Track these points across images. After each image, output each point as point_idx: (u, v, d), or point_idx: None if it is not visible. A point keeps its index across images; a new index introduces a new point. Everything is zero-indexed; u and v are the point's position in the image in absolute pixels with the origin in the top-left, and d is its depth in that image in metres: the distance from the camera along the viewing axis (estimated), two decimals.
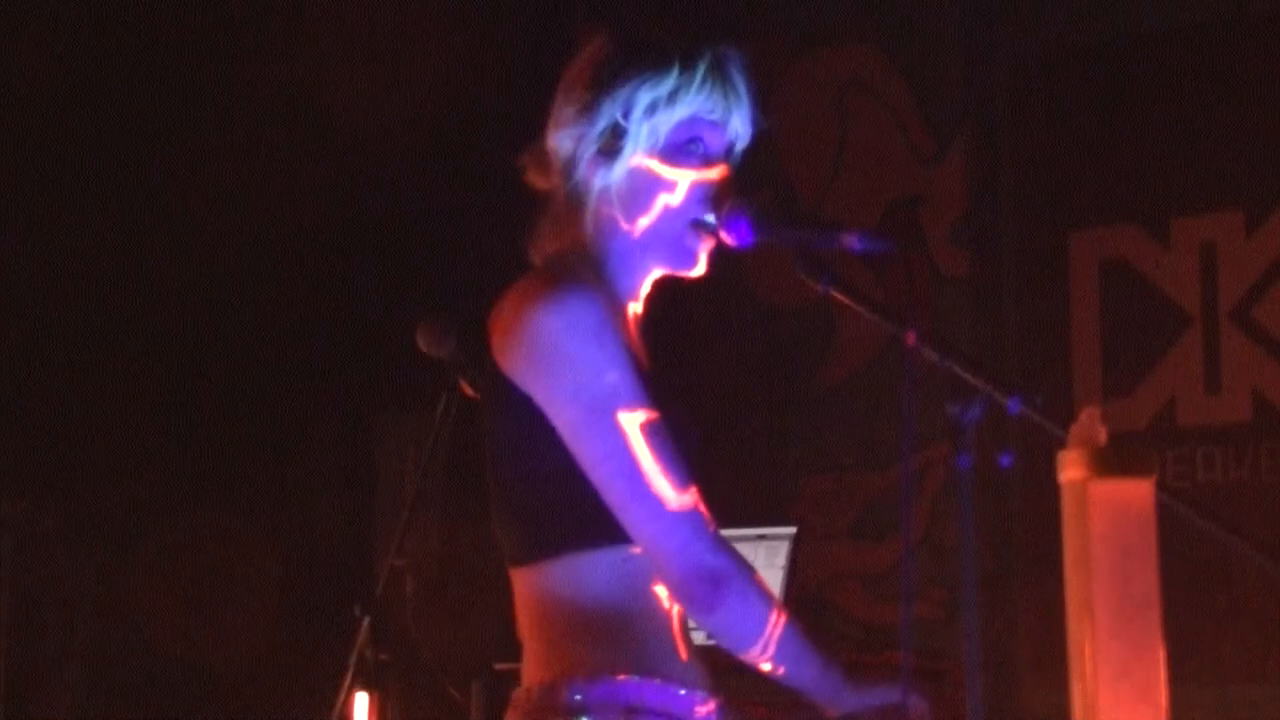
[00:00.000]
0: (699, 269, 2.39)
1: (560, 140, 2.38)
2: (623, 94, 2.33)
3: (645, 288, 2.42)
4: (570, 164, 2.37)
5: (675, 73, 2.33)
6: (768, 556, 3.94)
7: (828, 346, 5.53)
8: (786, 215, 2.38)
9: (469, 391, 3.34)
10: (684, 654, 2.30)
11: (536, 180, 2.43)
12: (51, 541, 4.68)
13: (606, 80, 2.35)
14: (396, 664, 3.51)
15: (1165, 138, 5.06)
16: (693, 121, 2.34)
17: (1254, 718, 4.64)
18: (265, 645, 5.05)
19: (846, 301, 2.27)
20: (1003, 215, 5.35)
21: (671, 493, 2.21)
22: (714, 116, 2.35)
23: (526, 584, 2.32)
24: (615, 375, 2.22)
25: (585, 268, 2.35)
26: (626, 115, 2.33)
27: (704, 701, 2.29)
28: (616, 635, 2.26)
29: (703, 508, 2.24)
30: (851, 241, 2.25)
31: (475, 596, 4.83)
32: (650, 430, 2.22)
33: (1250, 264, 4.96)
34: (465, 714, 3.91)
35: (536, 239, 2.43)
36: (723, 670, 2.34)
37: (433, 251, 5.39)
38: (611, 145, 2.34)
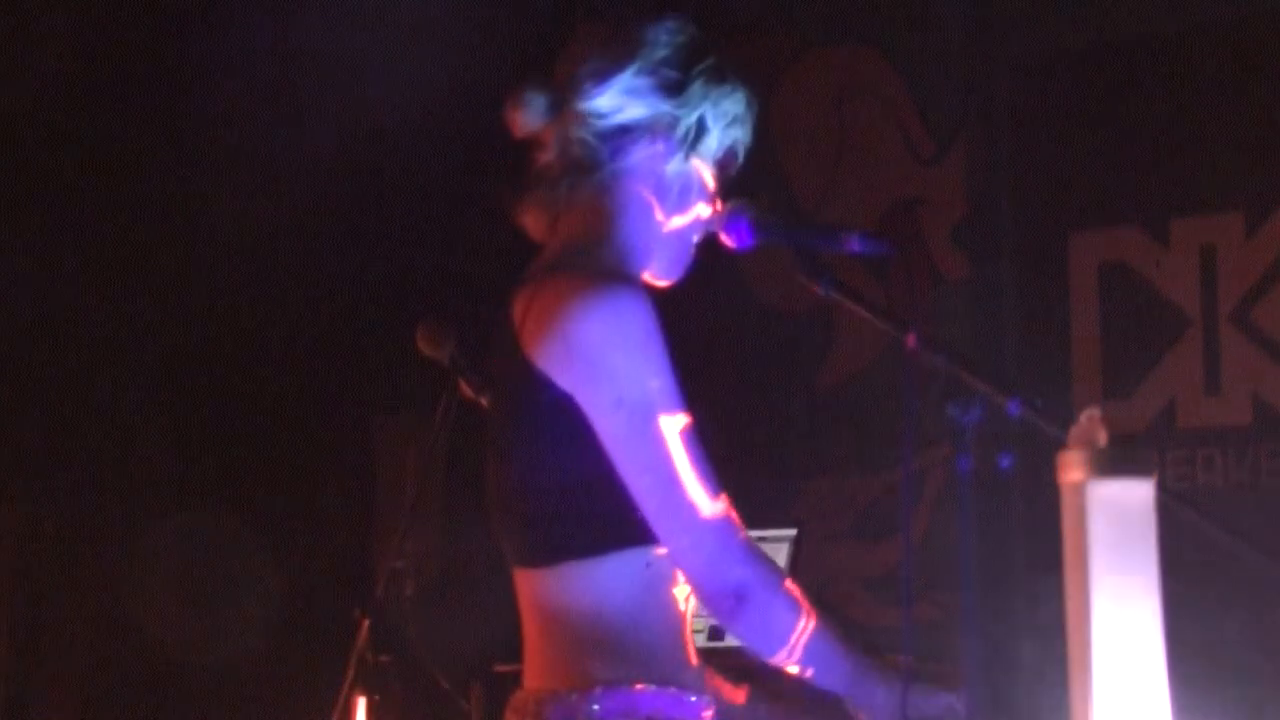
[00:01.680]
0: (669, 282, 2.40)
1: (621, 100, 2.31)
2: (714, 93, 2.33)
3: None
4: (621, 131, 2.32)
5: (732, 85, 2.35)
6: None
7: (827, 348, 5.53)
8: (786, 217, 2.38)
9: (468, 393, 3.34)
10: (694, 658, 2.30)
11: (534, 132, 2.35)
12: (51, 546, 4.68)
13: (695, 68, 2.33)
14: (396, 666, 3.51)
15: (1165, 138, 5.05)
16: (731, 149, 2.37)
17: (1254, 718, 4.63)
18: (265, 647, 5.05)
19: (847, 303, 2.26)
20: (1002, 217, 5.34)
21: (706, 501, 2.21)
22: (740, 148, 2.38)
23: (541, 588, 2.29)
24: (658, 381, 2.20)
25: (617, 258, 2.31)
26: (714, 117, 2.33)
27: (709, 706, 2.29)
28: (634, 644, 2.25)
29: (734, 514, 2.24)
30: (851, 243, 2.26)
31: (475, 598, 4.82)
32: (688, 436, 2.21)
33: (1250, 265, 4.96)
34: (465, 716, 3.91)
35: (536, 202, 2.36)
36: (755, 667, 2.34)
37: (433, 253, 5.39)
38: (694, 139, 2.33)
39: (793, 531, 4.05)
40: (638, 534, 2.23)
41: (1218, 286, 4.99)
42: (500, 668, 3.76)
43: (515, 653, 2.36)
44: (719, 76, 2.34)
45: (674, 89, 2.31)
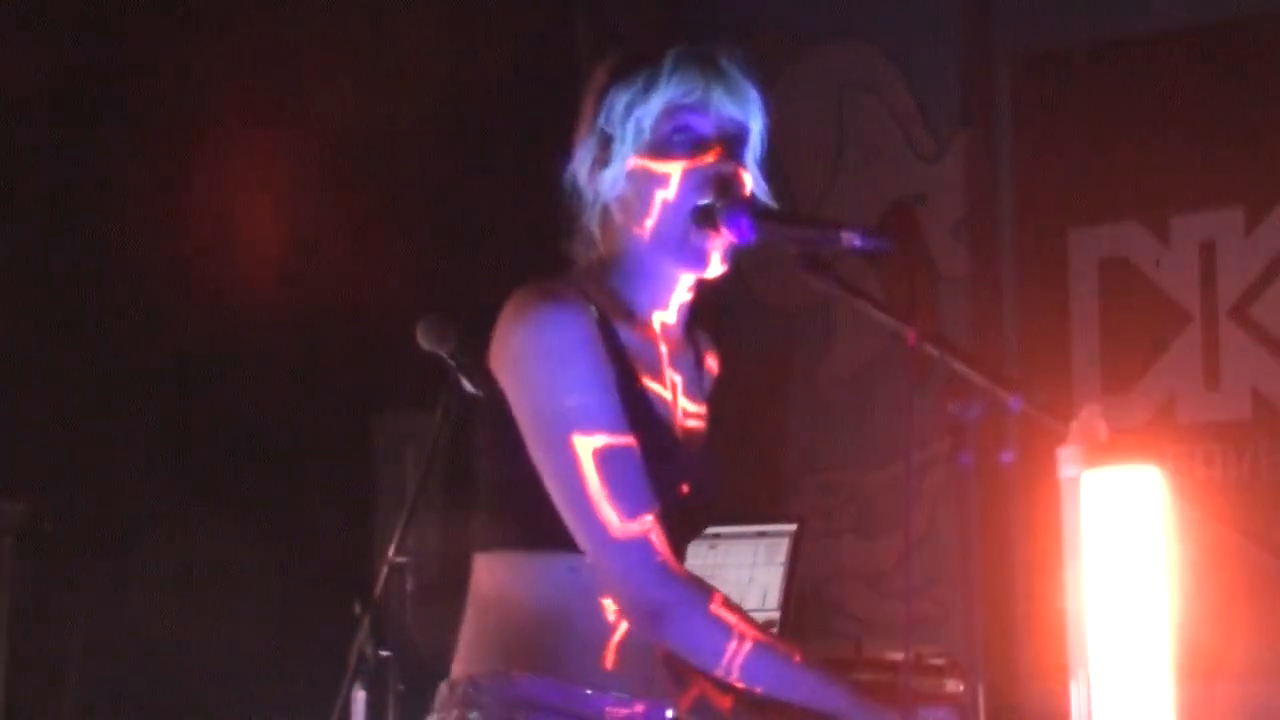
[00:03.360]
0: (714, 268, 2.37)
1: (572, 167, 2.42)
2: (605, 103, 2.36)
3: (676, 296, 2.42)
4: (579, 184, 2.40)
5: (644, 68, 2.35)
6: (768, 554, 3.95)
7: (828, 344, 5.53)
8: (787, 213, 2.37)
9: (469, 389, 3.34)
10: (610, 662, 2.30)
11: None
12: (50, 544, 4.67)
13: (596, 100, 2.39)
14: (396, 662, 3.51)
15: (1165, 135, 5.05)
16: (673, 109, 2.34)
17: (1256, 716, 4.63)
18: (265, 644, 5.05)
19: (848, 298, 2.27)
20: (1002, 213, 5.35)
21: (616, 520, 2.22)
22: (692, 99, 2.34)
23: (476, 572, 2.37)
24: (576, 398, 2.24)
25: (593, 280, 2.37)
26: (609, 121, 2.35)
27: (625, 704, 2.29)
28: (532, 637, 2.29)
29: (654, 538, 2.24)
30: (852, 239, 2.25)
31: None
32: (605, 456, 2.23)
33: (1249, 262, 4.96)
34: None
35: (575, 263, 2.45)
36: None
37: (434, 249, 5.38)
38: (603, 154, 2.37)
39: (793, 527, 4.06)
40: (564, 539, 2.27)
41: (1217, 282, 4.99)
42: None
43: None
44: (608, 82, 2.37)
45: (582, 130, 2.40)
